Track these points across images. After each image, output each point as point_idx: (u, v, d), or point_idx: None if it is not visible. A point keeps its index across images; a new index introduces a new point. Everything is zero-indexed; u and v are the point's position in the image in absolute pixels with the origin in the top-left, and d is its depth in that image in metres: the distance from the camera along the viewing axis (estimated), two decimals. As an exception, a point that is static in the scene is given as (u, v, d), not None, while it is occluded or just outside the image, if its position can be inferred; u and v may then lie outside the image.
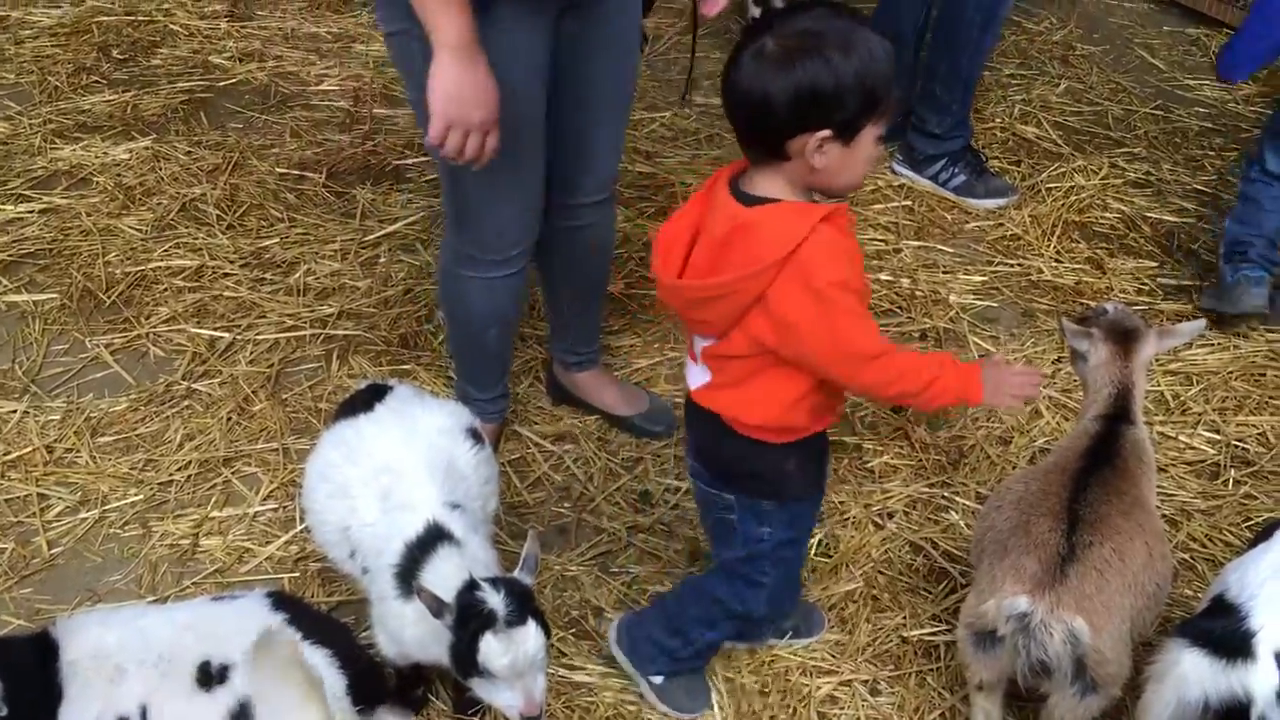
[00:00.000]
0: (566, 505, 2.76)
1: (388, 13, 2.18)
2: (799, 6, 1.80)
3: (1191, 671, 1.79)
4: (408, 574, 1.99)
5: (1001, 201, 3.70)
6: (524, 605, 1.83)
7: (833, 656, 2.43)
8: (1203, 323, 2.34)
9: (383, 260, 3.44)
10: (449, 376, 2.99)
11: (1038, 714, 2.14)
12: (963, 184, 3.73)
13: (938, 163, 3.74)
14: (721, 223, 1.82)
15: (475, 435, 2.24)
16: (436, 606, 1.84)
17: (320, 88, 4.20)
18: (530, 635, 1.82)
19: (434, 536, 2.01)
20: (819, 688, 2.36)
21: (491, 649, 1.80)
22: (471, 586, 1.84)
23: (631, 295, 3.35)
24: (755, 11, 4.41)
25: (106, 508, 2.72)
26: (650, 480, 2.82)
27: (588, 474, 2.84)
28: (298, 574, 2.58)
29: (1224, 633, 1.82)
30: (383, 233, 3.52)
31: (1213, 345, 3.18)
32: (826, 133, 1.75)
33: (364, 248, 3.47)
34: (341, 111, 4.07)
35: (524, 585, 1.89)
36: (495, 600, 1.81)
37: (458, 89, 1.96)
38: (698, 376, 2.00)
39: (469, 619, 1.82)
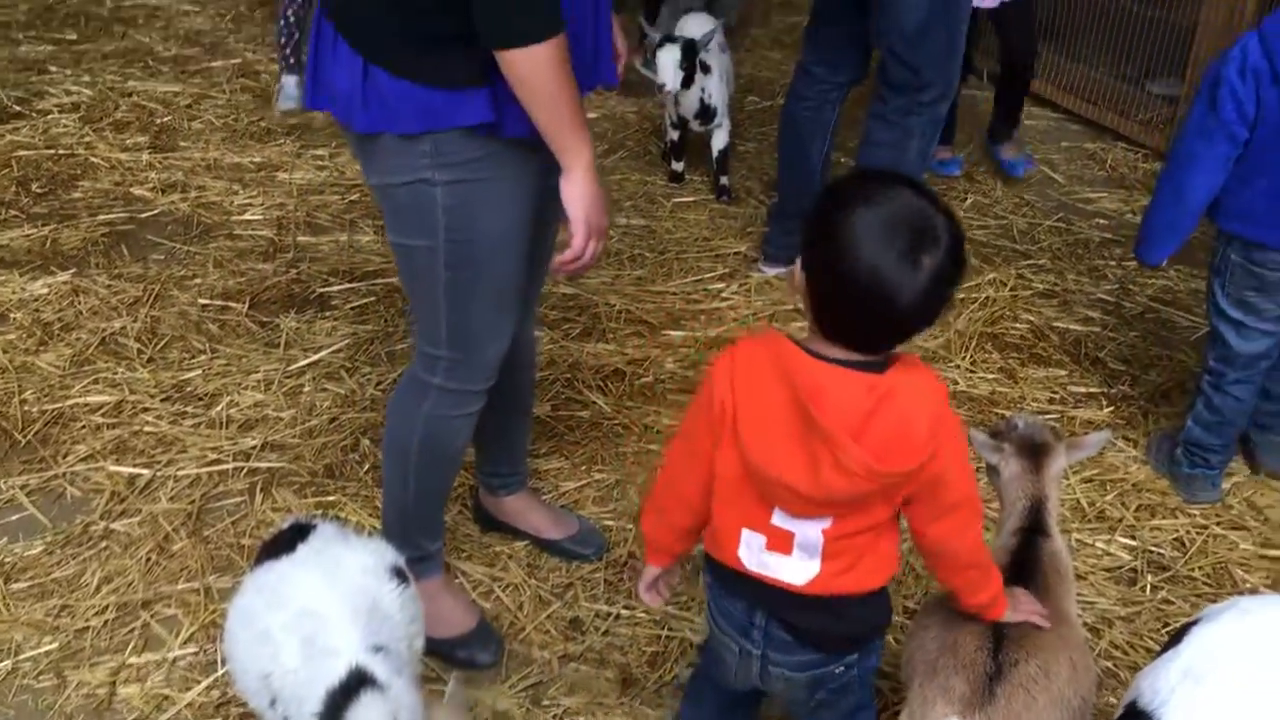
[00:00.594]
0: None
1: (398, 164, 2.13)
2: (889, 186, 1.74)
3: None
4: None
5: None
6: None
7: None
8: (1108, 434, 2.42)
9: (307, 390, 3.43)
10: (375, 505, 2.97)
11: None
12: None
13: None
14: (853, 393, 1.75)
15: (400, 574, 2.21)
16: None
17: (243, 217, 4.23)
18: None
19: (357, 682, 1.97)
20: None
21: None
22: None
23: (558, 417, 3.37)
24: (673, 135, 4.54)
25: (19, 658, 2.63)
26: (580, 606, 2.81)
27: (517, 602, 2.81)
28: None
29: None
30: (307, 361, 3.52)
31: (1125, 452, 3.27)
32: None
33: (288, 377, 3.46)
34: (265, 240, 4.10)
35: None
36: None
37: (596, 200, 2.12)
38: (800, 569, 1.88)
39: None
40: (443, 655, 2.67)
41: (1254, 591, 2.83)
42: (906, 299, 1.69)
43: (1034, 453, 2.34)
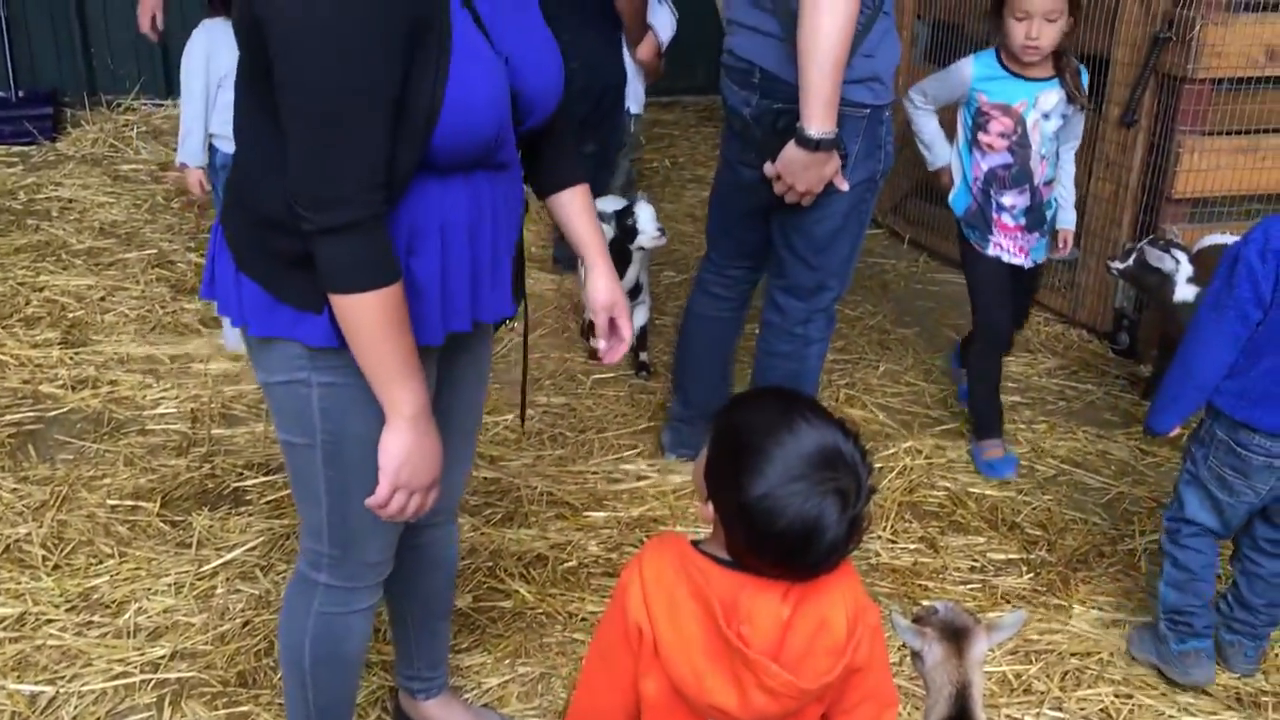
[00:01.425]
0: None
1: (276, 363, 2.13)
2: (796, 420, 1.74)
3: None
4: None
5: None
6: None
7: None
8: (1023, 614, 2.44)
9: (220, 592, 3.33)
10: (290, 715, 2.86)
11: None
12: None
13: None
14: (769, 604, 1.76)
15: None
16: None
17: (156, 411, 4.17)
18: None
19: None
20: None
21: None
22: None
23: (480, 609, 3.31)
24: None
25: None
26: (506, 814, 2.71)
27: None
28: None
29: None
30: (220, 561, 3.43)
31: (1045, 624, 3.28)
32: None
33: (200, 579, 3.36)
34: (178, 435, 4.03)
35: None
36: None
37: (410, 456, 2.02)
38: None
39: None
40: None
41: (1183, 761, 2.83)
42: (831, 537, 1.70)
43: (956, 637, 2.34)
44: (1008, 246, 3.90)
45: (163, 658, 3.09)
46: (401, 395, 1.99)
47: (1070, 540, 3.63)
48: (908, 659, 3.01)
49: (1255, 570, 3.01)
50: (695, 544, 1.82)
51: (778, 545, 1.71)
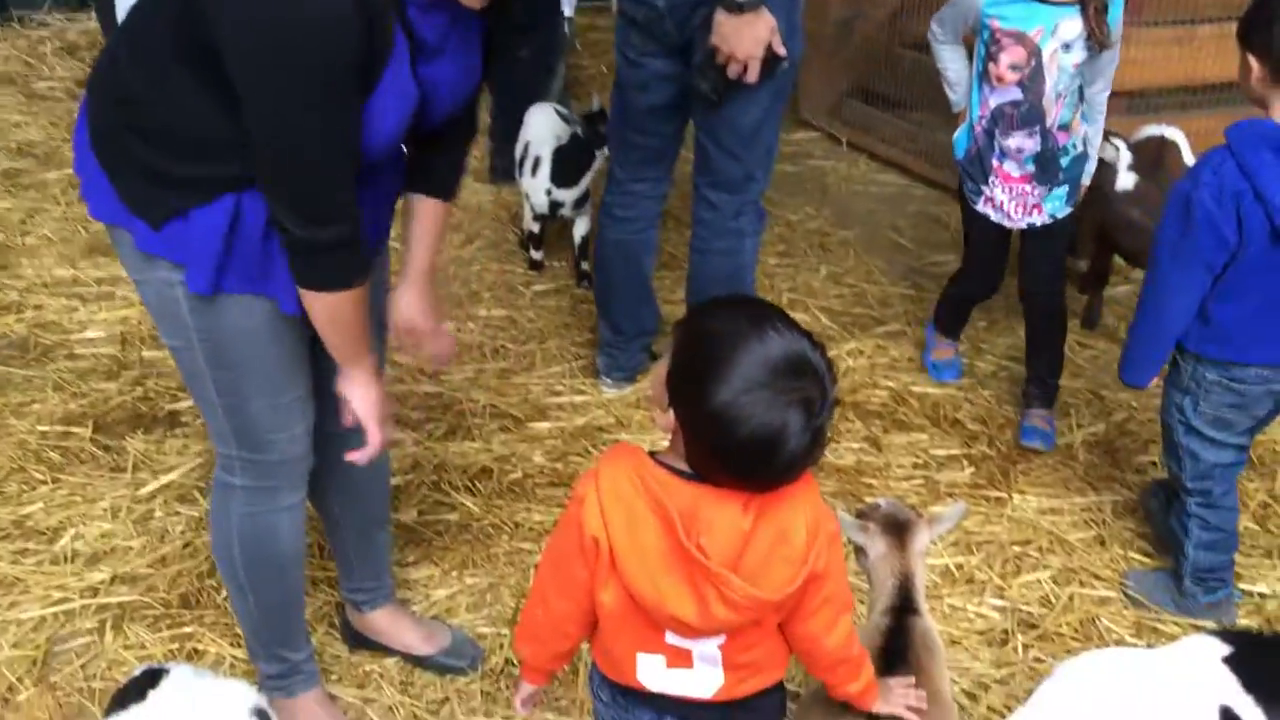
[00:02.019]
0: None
1: (131, 260, 2.17)
2: (760, 324, 1.69)
3: None
4: None
5: None
6: None
7: None
8: (964, 506, 2.46)
9: (158, 515, 3.28)
10: (236, 634, 2.83)
11: None
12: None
13: None
14: (729, 514, 1.73)
15: (261, 715, 2.11)
16: None
17: (84, 335, 4.06)
18: None
19: None
20: None
21: None
22: None
23: (425, 523, 3.29)
24: (533, 226, 4.54)
25: None
26: (457, 721, 2.72)
27: (380, 727, 2.71)
28: None
29: None
30: (157, 485, 3.37)
31: (985, 517, 3.33)
32: None
33: (137, 503, 3.30)
34: (108, 359, 3.93)
35: None
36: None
37: (380, 399, 2.28)
38: (705, 681, 1.87)
39: None
40: None
41: (1119, 643, 2.89)
42: (794, 446, 1.65)
43: (898, 530, 2.37)
44: (1003, 202, 3.45)
45: (102, 582, 3.04)
46: (366, 357, 2.22)
47: (1010, 434, 3.67)
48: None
49: None
50: (653, 455, 1.80)
51: (740, 455, 1.67)
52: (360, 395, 2.25)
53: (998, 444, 3.63)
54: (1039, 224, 3.48)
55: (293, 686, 2.59)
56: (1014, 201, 3.45)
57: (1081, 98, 3.37)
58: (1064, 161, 3.40)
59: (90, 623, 2.94)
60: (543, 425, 3.70)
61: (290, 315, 2.17)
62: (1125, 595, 3.06)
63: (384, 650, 2.86)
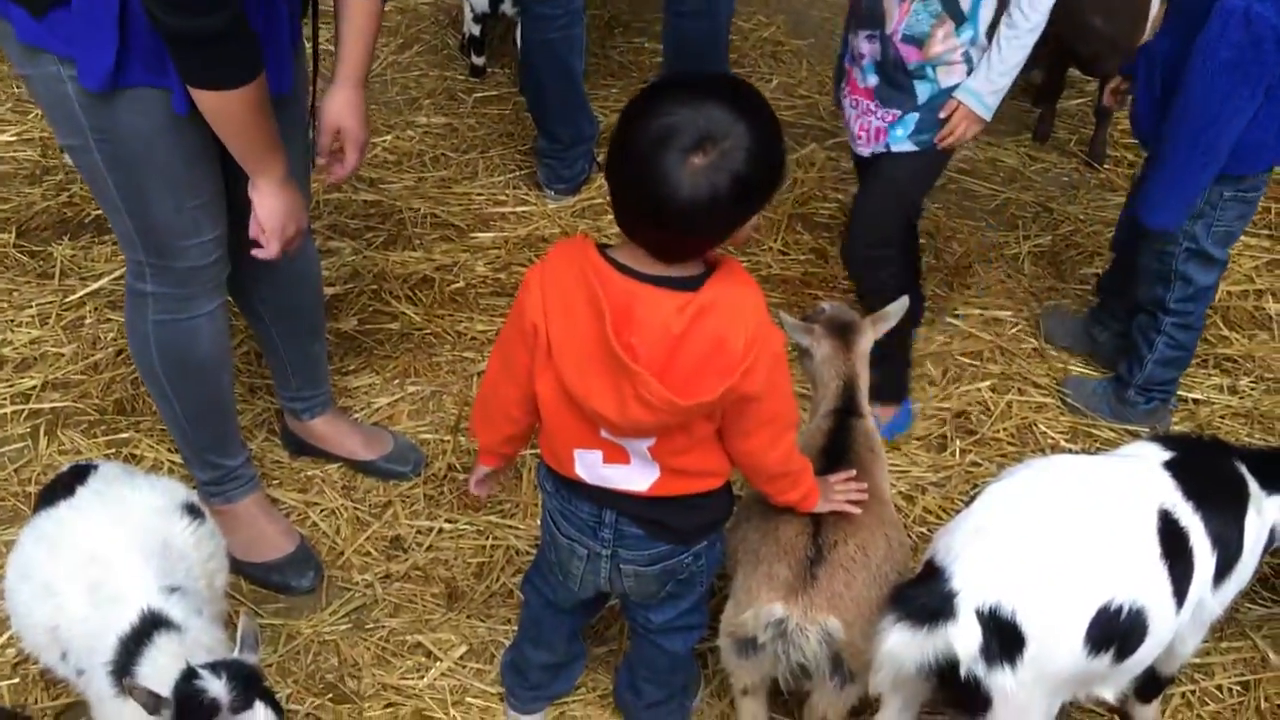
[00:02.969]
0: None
1: (14, 52, 2.06)
2: (677, 92, 1.69)
3: (897, 646, 1.86)
4: (123, 670, 1.85)
5: None
6: (249, 688, 1.73)
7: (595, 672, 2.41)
8: (905, 301, 2.43)
9: (89, 322, 3.20)
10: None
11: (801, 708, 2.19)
12: None
13: None
14: (662, 315, 1.71)
15: (193, 510, 2.10)
16: (152, 702, 1.71)
17: (3, 139, 3.87)
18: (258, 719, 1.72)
19: (150, 626, 1.87)
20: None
21: None
22: (190, 676, 1.72)
23: (366, 332, 3.24)
24: (474, 29, 4.35)
25: None
26: (401, 524, 2.73)
27: (334, 526, 2.72)
28: (17, 679, 2.37)
29: (926, 598, 1.89)
30: (86, 291, 3.27)
31: (929, 322, 3.33)
32: (758, 215, 1.74)
33: (66, 310, 3.22)
34: (29, 163, 3.77)
35: (248, 666, 1.77)
36: (217, 687, 1.69)
37: (288, 211, 2.18)
38: (641, 476, 1.87)
39: (189, 711, 1.70)
40: (258, 582, 2.57)
41: (1054, 448, 2.95)
42: (683, 197, 1.63)
43: (842, 331, 2.36)
44: (850, 118, 2.74)
45: (34, 388, 2.98)
46: (273, 165, 2.12)
47: (955, 246, 3.64)
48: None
49: None
50: (603, 249, 1.76)
51: (637, 203, 1.67)
52: (265, 205, 2.15)
53: (944, 255, 3.61)
54: (865, 154, 2.73)
55: (230, 493, 2.57)
56: (858, 120, 2.71)
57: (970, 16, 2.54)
58: (918, 87, 2.59)
59: (22, 428, 2.89)
60: (485, 235, 3.62)
61: (180, 115, 2.05)
62: (1063, 402, 3.10)
63: (326, 456, 2.85)
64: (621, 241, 1.78)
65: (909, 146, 2.65)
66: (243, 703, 1.71)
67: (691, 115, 1.63)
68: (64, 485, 2.10)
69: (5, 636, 2.42)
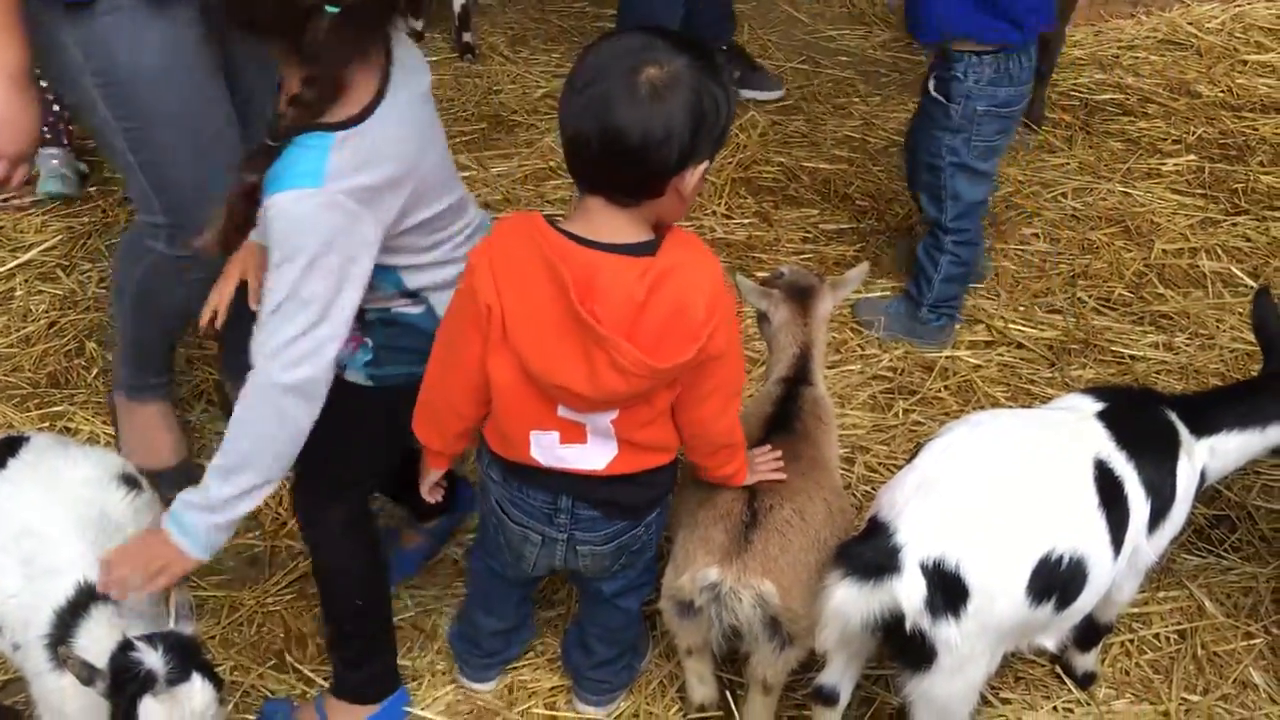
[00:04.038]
0: (255, 534, 2.60)
1: None
2: (623, 34, 1.74)
3: (843, 602, 1.87)
4: (59, 643, 1.81)
5: (777, 94, 4.12)
6: (186, 659, 1.70)
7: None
8: (866, 266, 2.44)
9: (20, 294, 3.12)
10: (108, 414, 2.75)
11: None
12: (738, 79, 4.02)
13: None
14: (624, 283, 1.69)
15: (130, 481, 2.05)
16: (86, 674, 1.68)
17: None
18: (195, 691, 1.69)
19: (86, 598, 1.83)
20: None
21: (151, 713, 1.67)
22: (125, 647, 1.69)
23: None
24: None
25: None
26: (344, 493, 2.70)
27: (277, 495, 2.67)
28: (-49, 658, 2.31)
29: (870, 553, 1.90)
30: (17, 263, 3.20)
31: (874, 287, 3.35)
32: (707, 163, 1.71)
33: (-5, 282, 3.14)
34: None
35: (184, 637, 1.74)
36: (153, 659, 1.67)
37: (3, 114, 1.93)
38: (598, 454, 1.87)
39: (125, 683, 1.67)
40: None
41: (995, 405, 2.98)
42: (639, 116, 1.62)
43: (801, 296, 2.34)
44: None
45: (-38, 362, 2.91)
46: None
47: (897, 209, 3.66)
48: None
49: None
50: (552, 222, 1.74)
51: (584, 136, 1.65)
52: None
53: (886, 219, 3.63)
54: None
55: (143, 395, 2.62)
56: None
57: None
58: None
59: (-48, 403, 2.82)
60: (426, 202, 3.57)
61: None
62: (856, 322, 3.22)
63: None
64: (572, 212, 1.76)
65: None
66: (179, 674, 1.68)
67: (644, 42, 1.66)
68: (-3, 451, 2.05)
69: (-62, 615, 2.36)
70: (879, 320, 3.20)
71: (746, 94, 4.07)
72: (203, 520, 1.79)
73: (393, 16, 1.75)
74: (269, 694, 2.29)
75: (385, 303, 1.93)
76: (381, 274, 1.85)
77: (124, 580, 1.80)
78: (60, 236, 3.28)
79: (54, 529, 1.90)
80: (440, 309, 1.92)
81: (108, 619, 1.81)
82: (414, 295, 1.93)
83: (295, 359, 1.73)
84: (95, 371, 2.89)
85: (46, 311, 3.06)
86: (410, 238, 1.86)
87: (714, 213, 3.61)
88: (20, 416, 2.79)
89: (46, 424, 2.77)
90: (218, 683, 1.74)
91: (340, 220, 1.70)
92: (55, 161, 3.40)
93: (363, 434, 2.02)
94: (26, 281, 3.15)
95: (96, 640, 1.78)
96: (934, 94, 2.92)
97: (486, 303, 1.74)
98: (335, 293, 1.72)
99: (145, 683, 1.67)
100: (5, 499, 1.96)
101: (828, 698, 2.12)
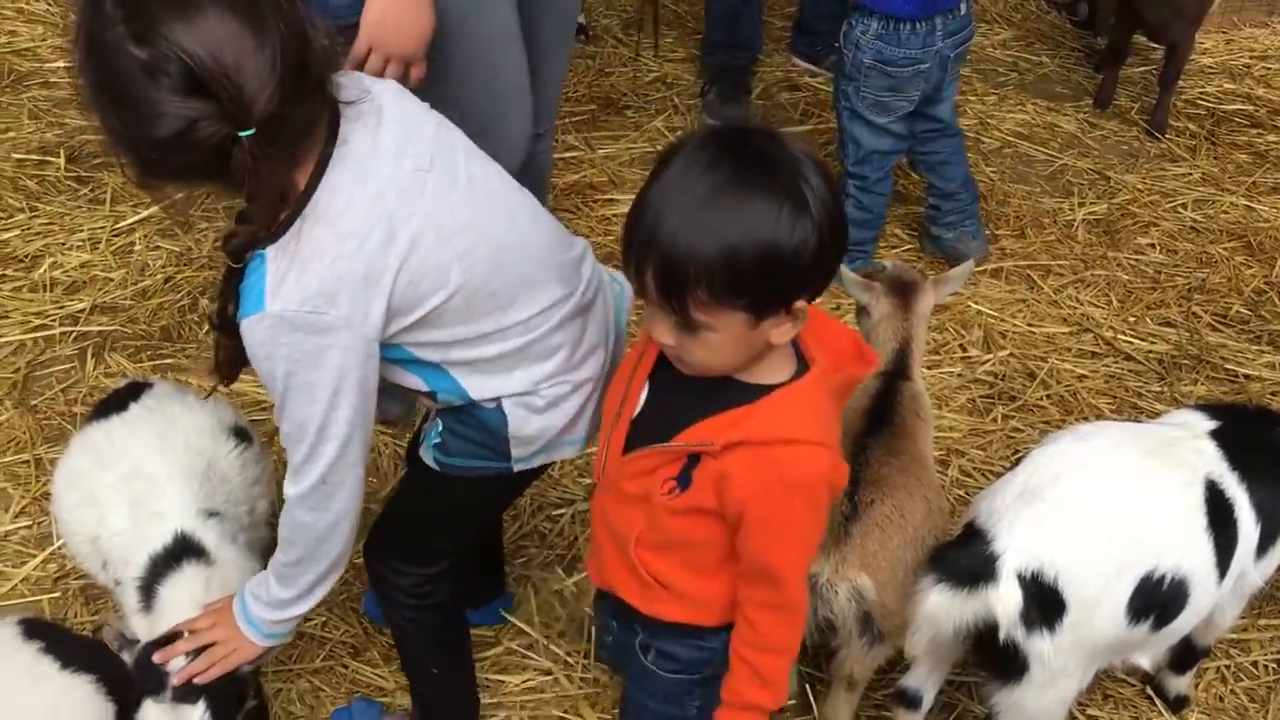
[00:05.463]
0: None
1: None
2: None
3: (936, 607, 1.84)
4: (149, 588, 1.89)
5: None
6: (200, 687, 1.77)
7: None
8: (971, 264, 2.41)
9: (138, 248, 3.22)
10: (218, 368, 2.82)
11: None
12: None
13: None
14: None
15: (241, 434, 2.11)
16: (119, 643, 1.79)
17: (59, 64, 3.88)
18: (195, 717, 1.76)
19: (181, 550, 1.90)
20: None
21: (150, 715, 1.77)
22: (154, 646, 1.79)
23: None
24: None
25: None
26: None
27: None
28: (58, 594, 2.41)
29: (967, 560, 1.87)
30: (137, 219, 3.29)
31: (994, 286, 3.29)
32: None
33: (116, 235, 3.24)
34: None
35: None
36: (175, 665, 1.76)
37: (385, 16, 1.97)
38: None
39: (142, 676, 1.78)
40: None
41: (1099, 417, 2.91)
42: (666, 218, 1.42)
43: (903, 291, 2.31)
44: None
45: (82, 311, 3.01)
46: None
47: (1009, 210, 3.58)
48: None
49: (934, 158, 3.23)
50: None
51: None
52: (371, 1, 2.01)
53: (997, 220, 3.55)
54: None
55: None
56: None
57: None
58: None
59: (70, 349, 2.92)
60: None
61: None
62: None
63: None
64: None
65: None
66: (189, 695, 1.75)
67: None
68: (118, 399, 2.13)
69: (48, 552, 2.46)
70: None
71: None
72: (266, 615, 1.78)
73: (323, 98, 1.54)
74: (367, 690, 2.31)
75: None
76: (433, 375, 1.71)
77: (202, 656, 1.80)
78: (180, 195, 3.37)
79: (163, 474, 1.97)
80: (516, 420, 1.74)
81: (196, 576, 1.88)
82: (491, 403, 1.75)
83: (311, 480, 1.65)
84: (207, 328, 2.95)
85: (163, 267, 3.15)
86: (443, 330, 1.66)
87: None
88: (133, 367, 2.88)
89: (157, 375, 2.84)
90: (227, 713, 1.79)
91: (293, 337, 1.53)
92: None
93: (427, 510, 1.93)
94: (145, 237, 3.25)
95: (179, 594, 1.85)
96: (839, 41, 3.11)
97: None
98: (326, 412, 1.58)
99: (157, 685, 1.75)
100: (122, 440, 2.03)
101: (911, 701, 2.10)
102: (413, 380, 1.73)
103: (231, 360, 1.66)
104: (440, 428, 1.80)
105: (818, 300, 1.53)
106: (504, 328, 1.69)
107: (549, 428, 1.78)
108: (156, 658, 1.79)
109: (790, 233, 1.40)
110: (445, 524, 1.94)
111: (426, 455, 1.84)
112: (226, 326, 1.59)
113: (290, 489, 1.67)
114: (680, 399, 1.57)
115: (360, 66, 1.99)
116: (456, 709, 2.18)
